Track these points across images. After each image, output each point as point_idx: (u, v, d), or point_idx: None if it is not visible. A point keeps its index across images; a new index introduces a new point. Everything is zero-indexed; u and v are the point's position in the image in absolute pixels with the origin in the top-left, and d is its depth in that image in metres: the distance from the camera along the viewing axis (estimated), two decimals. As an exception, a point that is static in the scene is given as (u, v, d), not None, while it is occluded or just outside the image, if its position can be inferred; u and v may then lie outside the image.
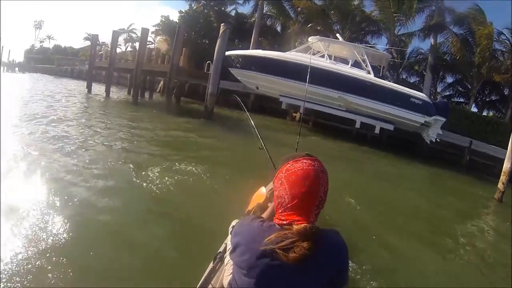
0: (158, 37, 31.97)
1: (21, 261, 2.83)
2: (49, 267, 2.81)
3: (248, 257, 1.15)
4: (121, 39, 55.63)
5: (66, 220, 3.64)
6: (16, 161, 5.37)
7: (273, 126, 15.32)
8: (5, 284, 2.53)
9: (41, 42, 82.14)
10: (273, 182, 1.28)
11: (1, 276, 2.58)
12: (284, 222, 1.15)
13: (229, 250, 1.29)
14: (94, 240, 3.40)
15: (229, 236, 1.36)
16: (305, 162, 1.20)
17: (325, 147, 12.49)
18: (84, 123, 9.53)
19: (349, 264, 1.32)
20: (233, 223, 2.00)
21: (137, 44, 25.75)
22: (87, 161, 5.77)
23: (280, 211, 1.20)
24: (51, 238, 3.27)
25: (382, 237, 4.96)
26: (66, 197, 4.21)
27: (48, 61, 57.41)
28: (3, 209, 3.61)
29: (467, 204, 9.15)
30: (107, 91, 17.88)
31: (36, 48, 78.12)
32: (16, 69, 56.74)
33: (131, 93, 17.10)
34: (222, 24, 13.18)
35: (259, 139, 3.30)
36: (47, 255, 2.97)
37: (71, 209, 3.97)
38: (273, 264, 1.10)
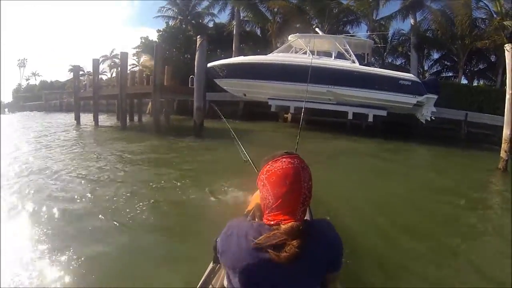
0: (143, 57, 31.84)
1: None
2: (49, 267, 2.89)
3: (239, 258, 1.14)
4: (106, 66, 55.82)
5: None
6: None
7: (266, 131, 15.20)
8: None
9: (27, 79, 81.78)
10: (257, 185, 1.28)
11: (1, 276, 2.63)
12: (272, 223, 1.15)
13: (220, 253, 1.24)
14: (94, 241, 3.48)
15: (220, 235, 1.28)
16: (284, 161, 1.20)
17: (322, 144, 12.30)
18: (69, 156, 9.29)
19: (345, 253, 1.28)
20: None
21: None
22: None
23: (266, 212, 1.20)
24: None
25: (392, 222, 4.88)
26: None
27: (36, 97, 57.02)
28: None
29: (472, 178, 8.89)
30: (95, 120, 17.65)
31: (23, 87, 77.93)
32: (6, 110, 56.43)
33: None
34: (198, 36, 13.04)
35: (242, 151, 3.14)
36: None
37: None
38: (265, 264, 1.10)
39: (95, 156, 8.99)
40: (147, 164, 8.12)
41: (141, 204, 4.86)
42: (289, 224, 1.11)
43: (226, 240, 1.22)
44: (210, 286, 1.86)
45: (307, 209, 1.21)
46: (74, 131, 16.22)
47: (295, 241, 1.08)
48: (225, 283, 1.34)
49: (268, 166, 1.23)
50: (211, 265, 1.94)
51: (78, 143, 11.76)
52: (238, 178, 5.68)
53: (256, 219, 1.72)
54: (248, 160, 3.13)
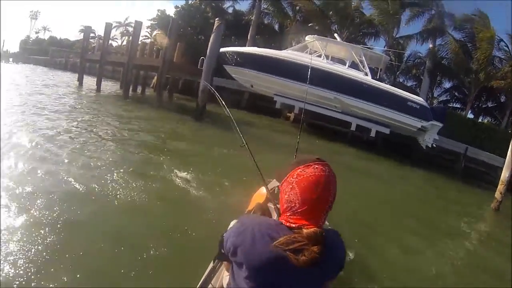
0: (155, 31, 31.47)
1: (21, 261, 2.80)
2: (49, 267, 2.79)
3: (254, 254, 1.14)
4: (118, 33, 55.33)
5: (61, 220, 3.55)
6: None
7: (267, 126, 15.03)
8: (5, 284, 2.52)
9: (36, 33, 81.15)
10: (281, 185, 1.26)
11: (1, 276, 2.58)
12: (293, 225, 1.15)
13: (230, 250, 1.21)
14: (93, 241, 3.35)
15: (231, 230, 1.26)
16: (316, 168, 1.19)
17: (321, 149, 12.15)
18: (64, 117, 9.06)
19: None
20: (232, 223, 1.93)
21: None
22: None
23: (288, 214, 1.19)
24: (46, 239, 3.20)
25: (377, 247, 4.77)
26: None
27: (43, 52, 56.64)
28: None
29: (464, 213, 8.82)
30: (98, 85, 17.37)
31: (31, 39, 77.16)
32: (10, 59, 55.87)
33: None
34: (216, 19, 12.75)
35: (239, 134, 2.98)
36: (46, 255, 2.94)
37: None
38: (281, 264, 1.11)
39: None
40: (133, 145, 7.52)
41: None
42: (312, 229, 1.12)
43: (240, 235, 1.20)
44: (210, 286, 1.86)
45: (327, 215, 1.22)
46: (74, 93, 15.92)
47: (315, 247, 1.09)
48: (225, 283, 1.38)
49: (299, 170, 1.20)
50: (211, 264, 1.95)
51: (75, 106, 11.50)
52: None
53: None
54: (245, 145, 2.96)
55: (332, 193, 1.19)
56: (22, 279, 2.61)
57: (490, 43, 20.94)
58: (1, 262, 2.74)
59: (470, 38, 22.50)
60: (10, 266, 2.73)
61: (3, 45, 61.74)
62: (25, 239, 3.11)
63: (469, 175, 16.55)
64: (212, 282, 1.87)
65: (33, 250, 2.96)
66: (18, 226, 3.32)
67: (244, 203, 3.00)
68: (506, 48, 22.37)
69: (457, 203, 10.07)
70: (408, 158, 15.78)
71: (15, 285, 2.55)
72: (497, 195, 9.65)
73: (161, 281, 2.95)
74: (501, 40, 22.15)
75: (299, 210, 1.16)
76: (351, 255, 3.69)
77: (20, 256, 2.86)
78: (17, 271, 2.69)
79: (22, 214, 3.53)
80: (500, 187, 9.69)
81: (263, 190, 2.64)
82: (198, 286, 1.86)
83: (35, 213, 3.59)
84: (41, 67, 42.63)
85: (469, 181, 15.25)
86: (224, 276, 1.76)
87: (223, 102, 3.37)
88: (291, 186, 1.20)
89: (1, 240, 3.01)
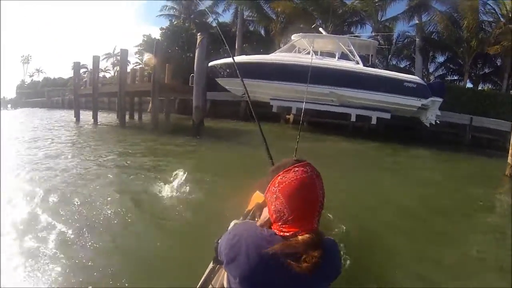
0: (145, 56, 31.72)
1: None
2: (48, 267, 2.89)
3: (248, 269, 1.10)
4: (109, 64, 55.92)
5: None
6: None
7: (268, 132, 14.91)
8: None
9: (30, 76, 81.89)
10: (265, 196, 1.21)
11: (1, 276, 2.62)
12: (287, 234, 1.11)
13: (223, 263, 1.19)
14: (94, 241, 3.45)
15: (224, 240, 1.23)
16: (297, 171, 1.14)
17: (323, 147, 12.05)
18: (63, 154, 9.07)
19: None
20: (232, 223, 1.89)
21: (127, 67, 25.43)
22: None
23: (279, 223, 1.14)
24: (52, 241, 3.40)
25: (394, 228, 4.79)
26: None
27: (39, 94, 57.09)
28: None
29: (479, 185, 8.60)
30: (95, 118, 17.43)
31: (26, 83, 77.99)
32: (9, 105, 56.38)
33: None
34: (198, 34, 12.78)
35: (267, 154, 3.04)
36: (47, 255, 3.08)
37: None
38: (276, 276, 1.08)
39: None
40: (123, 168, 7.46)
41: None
42: (308, 235, 1.08)
43: (233, 248, 1.16)
44: (210, 286, 1.83)
45: (320, 217, 1.16)
46: (71, 129, 16.00)
47: (316, 252, 1.06)
48: (225, 283, 1.32)
49: (279, 178, 1.15)
50: (211, 265, 1.91)
51: (70, 142, 11.53)
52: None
53: (256, 219, 1.80)
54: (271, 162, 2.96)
55: (319, 192, 1.14)
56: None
57: (474, 11, 20.77)
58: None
59: (455, 8, 22.30)
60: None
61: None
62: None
63: (478, 144, 16.34)
64: (212, 282, 1.85)
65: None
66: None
67: (244, 203, 2.94)
68: (493, 11, 22.11)
69: (470, 176, 9.87)
70: (413, 139, 15.58)
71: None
72: (510, 160, 9.38)
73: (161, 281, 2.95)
74: (486, 3, 21.93)
75: (289, 218, 1.11)
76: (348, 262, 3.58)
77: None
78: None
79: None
80: (511, 151, 9.43)
81: None
82: (198, 286, 1.84)
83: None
84: (39, 108, 42.99)
85: (479, 150, 15.01)
86: (224, 276, 1.64)
87: (256, 118, 3.37)
88: (275, 196, 1.15)
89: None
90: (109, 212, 4.51)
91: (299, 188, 1.11)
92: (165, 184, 5.56)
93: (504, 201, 7.27)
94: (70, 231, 3.89)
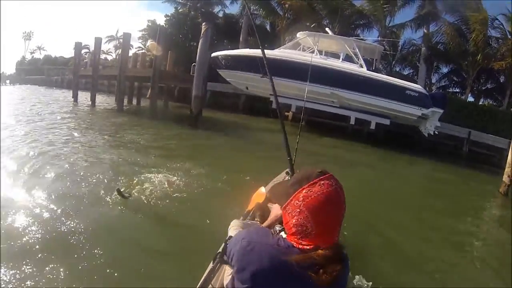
0: (149, 41, 31.41)
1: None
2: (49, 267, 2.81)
3: (261, 280, 1.08)
4: (112, 47, 55.49)
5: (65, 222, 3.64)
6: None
7: (266, 128, 14.85)
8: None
9: (31, 53, 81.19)
10: (284, 208, 1.16)
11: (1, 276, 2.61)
12: (307, 247, 1.08)
13: (235, 268, 1.16)
14: (94, 240, 3.36)
15: (237, 246, 1.18)
16: (323, 184, 1.10)
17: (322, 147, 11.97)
18: (57, 132, 8.92)
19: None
20: (232, 223, 2.03)
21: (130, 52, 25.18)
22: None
23: (299, 236, 1.11)
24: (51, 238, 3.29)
25: (385, 237, 4.72)
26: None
27: (39, 72, 56.69)
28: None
29: (472, 199, 8.59)
30: (92, 100, 17.22)
31: (27, 60, 77.38)
32: (7, 81, 56.07)
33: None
34: (203, 23, 12.60)
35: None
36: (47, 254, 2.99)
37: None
38: (298, 282, 1.06)
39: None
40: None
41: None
42: (330, 249, 1.06)
43: (246, 256, 1.13)
44: (210, 286, 1.83)
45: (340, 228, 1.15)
46: (68, 109, 15.79)
47: (337, 265, 1.05)
48: (225, 283, 1.35)
49: (304, 191, 1.10)
50: (211, 265, 1.92)
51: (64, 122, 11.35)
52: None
53: (256, 219, 1.92)
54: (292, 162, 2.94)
55: (343, 206, 1.13)
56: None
57: (484, 25, 20.66)
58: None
59: (463, 21, 22.22)
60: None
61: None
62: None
63: (474, 159, 16.30)
64: (212, 282, 1.84)
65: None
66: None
67: (244, 203, 2.94)
68: (502, 27, 22.07)
69: (463, 190, 9.86)
70: (410, 148, 15.53)
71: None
72: (505, 178, 9.27)
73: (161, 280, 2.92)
74: (496, 18, 21.88)
75: (313, 232, 1.09)
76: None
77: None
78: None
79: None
80: (508, 169, 9.30)
81: (262, 190, 2.65)
82: (198, 286, 1.83)
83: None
84: (38, 86, 42.65)
85: (475, 165, 14.98)
86: (224, 276, 1.74)
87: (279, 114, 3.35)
88: (298, 210, 1.10)
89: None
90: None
91: (326, 203, 1.08)
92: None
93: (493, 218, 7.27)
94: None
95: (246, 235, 1.20)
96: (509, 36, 21.30)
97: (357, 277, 3.09)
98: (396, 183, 8.83)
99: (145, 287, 2.86)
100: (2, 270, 2.71)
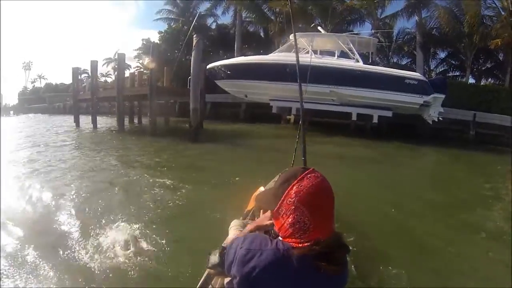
0: (146, 59, 31.62)
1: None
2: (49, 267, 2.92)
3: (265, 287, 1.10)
4: (110, 69, 56.02)
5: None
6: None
7: (269, 134, 14.84)
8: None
9: (32, 82, 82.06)
10: (277, 210, 1.15)
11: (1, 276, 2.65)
12: (307, 244, 1.07)
13: (237, 278, 1.15)
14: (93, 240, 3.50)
15: (238, 254, 1.18)
16: (310, 177, 1.13)
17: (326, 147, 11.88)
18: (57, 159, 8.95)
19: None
20: (233, 223, 2.06)
21: (127, 71, 25.36)
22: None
23: (297, 235, 1.10)
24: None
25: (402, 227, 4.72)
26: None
27: (41, 100, 57.21)
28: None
29: (486, 182, 8.40)
30: (94, 123, 17.35)
31: (28, 89, 78.23)
32: (11, 112, 56.65)
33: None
34: (194, 36, 12.63)
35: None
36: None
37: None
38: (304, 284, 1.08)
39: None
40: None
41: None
42: (332, 238, 1.08)
43: (246, 265, 1.13)
44: (210, 286, 1.85)
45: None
46: (70, 134, 15.92)
47: (342, 251, 1.10)
48: (225, 283, 1.35)
49: (295, 187, 1.11)
50: None
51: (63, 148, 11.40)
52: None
53: (256, 218, 1.85)
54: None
55: (333, 195, 1.15)
56: None
57: (477, 5, 20.49)
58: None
59: (455, 3, 22.06)
60: None
61: (2, 100, 62.62)
62: None
63: (482, 141, 16.11)
64: (212, 282, 1.86)
65: None
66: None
67: (244, 203, 2.96)
68: (494, 5, 21.84)
69: (474, 173, 9.70)
70: (416, 138, 15.38)
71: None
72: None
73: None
74: (488, -4, 21.63)
75: (311, 226, 1.09)
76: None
77: None
78: None
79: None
80: None
81: (261, 189, 2.68)
82: (198, 286, 1.86)
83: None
84: (41, 114, 43.06)
85: (484, 147, 14.79)
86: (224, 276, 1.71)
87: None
88: (293, 207, 1.10)
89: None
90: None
91: (318, 194, 1.11)
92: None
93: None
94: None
95: (244, 243, 1.19)
96: (503, 13, 21.03)
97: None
98: (405, 176, 8.70)
99: (146, 287, 2.84)
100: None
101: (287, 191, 1.13)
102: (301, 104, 3.99)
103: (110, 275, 3.11)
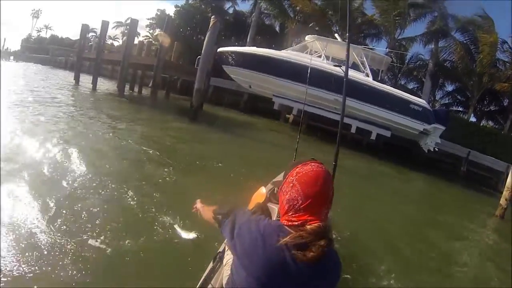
0: (157, 31, 31.22)
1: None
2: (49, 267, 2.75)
3: (256, 257, 1.14)
4: (119, 33, 55.26)
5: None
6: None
7: (267, 128, 14.74)
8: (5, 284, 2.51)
9: (38, 31, 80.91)
10: (281, 188, 1.28)
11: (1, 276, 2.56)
12: (296, 223, 1.16)
13: (229, 237, 1.27)
14: (93, 239, 3.29)
15: (238, 213, 1.34)
16: (313, 165, 1.24)
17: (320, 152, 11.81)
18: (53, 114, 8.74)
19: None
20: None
21: (136, 39, 24.96)
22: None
23: (290, 213, 1.20)
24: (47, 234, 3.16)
25: (375, 260, 4.41)
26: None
27: (44, 51, 56.40)
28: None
29: (467, 221, 8.44)
30: (94, 83, 17.01)
31: (33, 38, 77.02)
32: (11, 57, 55.86)
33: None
34: (212, 16, 12.40)
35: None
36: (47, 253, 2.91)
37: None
38: (286, 265, 1.11)
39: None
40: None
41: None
42: (316, 224, 1.13)
43: (241, 231, 1.24)
44: (210, 286, 1.86)
45: (329, 212, 1.23)
46: (68, 90, 15.63)
47: (322, 240, 1.11)
48: (225, 282, 1.38)
49: (298, 169, 1.25)
50: (211, 264, 1.97)
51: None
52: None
53: None
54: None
55: (331, 188, 1.22)
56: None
57: (493, 47, 20.56)
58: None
59: (473, 41, 22.12)
60: None
61: (3, 44, 61.58)
62: None
63: (471, 179, 16.25)
64: (212, 282, 1.87)
65: None
66: None
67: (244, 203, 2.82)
68: (510, 50, 21.98)
69: (459, 211, 9.72)
70: (409, 162, 15.41)
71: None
72: (502, 201, 9.18)
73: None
74: (505, 42, 21.80)
75: (302, 206, 1.17)
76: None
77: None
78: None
79: None
80: (506, 193, 9.20)
81: (262, 190, 2.66)
82: (197, 286, 1.86)
83: None
84: (41, 65, 42.38)
85: (471, 185, 14.93)
86: (224, 276, 1.76)
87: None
88: (291, 185, 1.22)
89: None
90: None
91: (315, 178, 1.19)
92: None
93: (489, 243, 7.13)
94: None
95: (239, 218, 1.31)
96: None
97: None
98: (394, 198, 8.69)
99: (146, 287, 2.83)
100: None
101: (291, 171, 1.26)
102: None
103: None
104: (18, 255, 2.77)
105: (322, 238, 1.11)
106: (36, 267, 2.68)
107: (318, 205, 1.18)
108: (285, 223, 1.19)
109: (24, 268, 2.63)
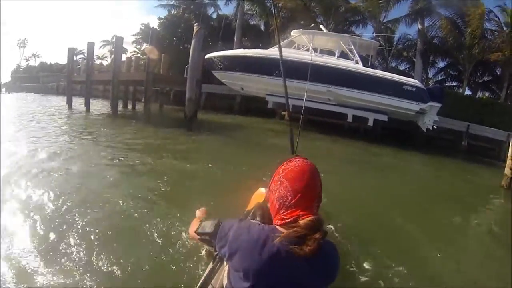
0: (144, 44, 31.22)
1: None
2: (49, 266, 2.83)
3: (250, 262, 1.14)
4: (107, 52, 55.21)
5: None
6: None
7: (263, 128, 14.72)
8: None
9: (26, 60, 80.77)
10: (269, 188, 1.30)
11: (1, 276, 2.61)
12: (289, 220, 1.17)
13: (226, 256, 1.26)
14: (93, 238, 3.40)
15: (232, 229, 1.29)
16: (298, 160, 1.28)
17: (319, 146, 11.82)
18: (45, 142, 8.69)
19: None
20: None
21: (123, 56, 24.91)
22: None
23: (282, 211, 1.21)
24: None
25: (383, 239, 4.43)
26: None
27: (34, 79, 56.34)
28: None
29: (474, 194, 8.40)
30: (87, 105, 16.97)
31: (22, 67, 77.03)
32: (3, 90, 55.79)
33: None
34: (195, 24, 12.39)
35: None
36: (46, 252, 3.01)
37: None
38: (285, 265, 1.12)
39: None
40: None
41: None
42: (309, 218, 1.14)
43: (235, 244, 1.21)
44: (210, 286, 1.85)
45: (319, 208, 1.24)
46: (62, 116, 15.60)
47: (317, 233, 1.12)
48: (225, 283, 1.36)
49: (283, 166, 1.28)
50: (211, 265, 1.97)
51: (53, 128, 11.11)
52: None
53: (257, 218, 1.86)
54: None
55: (318, 181, 1.24)
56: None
57: (481, 19, 20.50)
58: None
59: (459, 14, 22.07)
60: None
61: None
62: None
63: (474, 152, 16.19)
64: (212, 282, 1.87)
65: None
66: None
67: (243, 202, 2.95)
68: (496, 19, 21.93)
69: (464, 184, 9.69)
70: (409, 143, 15.38)
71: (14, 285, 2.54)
72: (507, 171, 9.04)
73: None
74: (491, 11, 21.71)
75: (292, 202, 1.18)
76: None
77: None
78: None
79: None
80: (510, 162, 9.02)
81: (261, 190, 2.75)
82: (197, 286, 1.87)
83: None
84: (33, 94, 42.40)
85: (474, 158, 14.83)
86: (224, 276, 1.69)
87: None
88: (279, 182, 1.24)
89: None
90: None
91: (301, 173, 1.22)
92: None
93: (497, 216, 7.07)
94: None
95: (232, 226, 1.28)
96: (505, 28, 21.12)
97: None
98: (396, 181, 8.64)
99: (146, 287, 2.82)
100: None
101: (276, 170, 1.29)
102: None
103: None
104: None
105: (317, 231, 1.13)
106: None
107: (308, 200, 1.19)
108: (278, 224, 1.20)
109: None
